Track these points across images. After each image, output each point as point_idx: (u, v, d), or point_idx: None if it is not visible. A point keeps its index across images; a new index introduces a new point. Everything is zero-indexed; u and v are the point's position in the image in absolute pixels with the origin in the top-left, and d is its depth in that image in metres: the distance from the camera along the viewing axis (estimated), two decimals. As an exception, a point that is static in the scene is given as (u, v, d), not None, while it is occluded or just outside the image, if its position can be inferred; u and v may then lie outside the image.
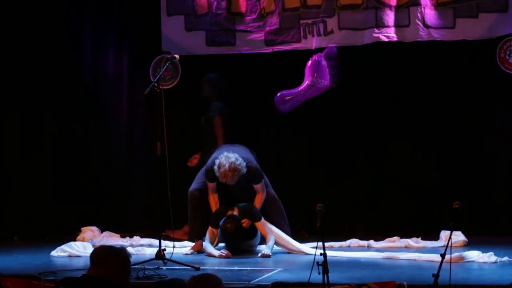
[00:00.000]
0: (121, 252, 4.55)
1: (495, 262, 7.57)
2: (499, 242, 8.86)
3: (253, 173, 8.58)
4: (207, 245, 8.42)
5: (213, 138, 9.43)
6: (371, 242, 8.87)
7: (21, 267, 7.56)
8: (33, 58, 10.27)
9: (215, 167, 8.39)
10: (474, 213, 9.39)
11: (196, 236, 8.68)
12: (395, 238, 8.97)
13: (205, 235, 8.60)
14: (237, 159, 8.36)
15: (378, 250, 8.55)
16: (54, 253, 8.41)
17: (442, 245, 8.58)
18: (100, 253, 4.55)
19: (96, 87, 10.60)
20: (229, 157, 8.35)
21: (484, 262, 7.59)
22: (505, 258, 7.68)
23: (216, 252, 8.29)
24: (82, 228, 9.57)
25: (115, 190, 10.47)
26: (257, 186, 8.67)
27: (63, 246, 8.45)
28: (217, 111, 9.46)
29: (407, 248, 8.67)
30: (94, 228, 9.59)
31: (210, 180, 8.64)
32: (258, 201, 8.66)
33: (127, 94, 10.53)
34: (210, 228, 8.54)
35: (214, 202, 8.68)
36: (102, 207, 10.36)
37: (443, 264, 5.65)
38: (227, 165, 8.32)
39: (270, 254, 8.29)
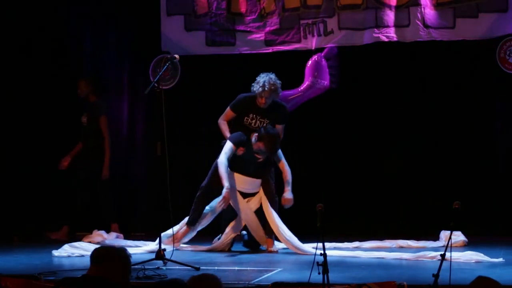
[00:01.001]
0: (121, 252, 4.55)
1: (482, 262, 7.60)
2: (499, 242, 8.87)
3: (285, 109, 8.73)
4: (224, 170, 8.40)
5: (99, 138, 9.67)
6: (359, 242, 8.79)
7: (21, 267, 7.55)
8: (33, 58, 10.27)
9: (255, 84, 8.51)
10: (474, 213, 9.40)
11: (192, 223, 8.71)
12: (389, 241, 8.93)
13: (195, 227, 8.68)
14: (277, 79, 8.53)
15: (367, 250, 8.50)
16: (56, 252, 8.37)
17: (442, 245, 8.58)
18: (100, 253, 4.55)
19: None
20: (270, 75, 8.53)
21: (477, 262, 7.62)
22: (500, 259, 7.67)
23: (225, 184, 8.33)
24: (93, 232, 9.46)
25: (114, 190, 10.46)
26: (279, 127, 8.69)
27: (66, 246, 8.42)
28: (103, 111, 9.59)
29: (405, 248, 8.65)
30: (102, 232, 9.50)
31: (235, 109, 8.66)
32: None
33: (127, 94, 10.53)
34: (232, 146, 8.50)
35: (226, 127, 8.66)
36: (102, 207, 10.35)
37: (443, 264, 5.65)
38: (267, 78, 8.49)
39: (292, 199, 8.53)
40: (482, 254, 7.78)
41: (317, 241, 5.67)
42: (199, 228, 8.80)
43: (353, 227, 9.70)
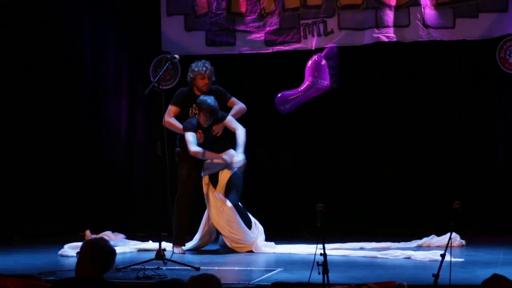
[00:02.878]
0: (90, 245, 4.53)
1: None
2: (499, 242, 8.86)
3: (220, 89, 8.81)
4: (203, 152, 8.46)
5: None
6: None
7: (21, 267, 7.56)
8: (33, 59, 10.27)
9: (193, 69, 8.68)
10: (474, 213, 9.40)
11: (180, 240, 8.66)
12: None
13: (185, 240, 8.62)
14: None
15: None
16: (62, 252, 8.33)
17: (413, 246, 8.56)
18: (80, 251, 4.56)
19: (96, 87, 10.60)
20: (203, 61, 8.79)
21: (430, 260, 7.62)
22: (461, 259, 7.68)
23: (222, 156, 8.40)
24: (101, 234, 9.40)
25: (114, 190, 10.46)
26: (231, 101, 8.81)
27: (71, 245, 8.39)
28: None
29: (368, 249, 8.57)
30: (109, 232, 9.47)
31: (178, 103, 8.73)
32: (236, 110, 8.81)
33: (127, 94, 10.53)
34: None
35: (175, 121, 8.66)
36: (102, 207, 10.37)
37: (443, 264, 5.66)
38: (203, 61, 8.74)
39: (243, 160, 8.45)
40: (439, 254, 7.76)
41: (317, 241, 5.67)
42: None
43: (353, 228, 9.69)
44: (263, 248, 8.55)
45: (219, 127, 8.60)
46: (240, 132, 8.58)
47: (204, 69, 8.66)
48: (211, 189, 8.52)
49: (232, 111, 8.75)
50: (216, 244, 8.80)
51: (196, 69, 8.68)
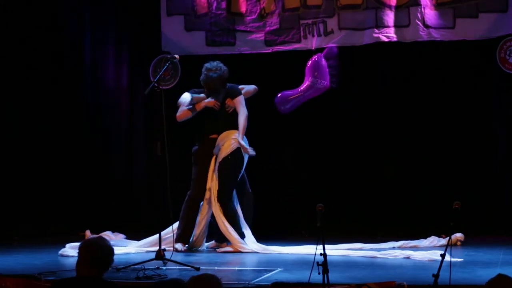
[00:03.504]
0: (88, 245, 4.53)
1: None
2: (499, 242, 8.87)
3: (230, 86, 8.84)
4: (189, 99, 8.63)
5: None
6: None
7: (21, 267, 7.56)
8: (33, 59, 10.27)
9: (207, 64, 8.77)
10: (474, 213, 9.40)
11: (185, 239, 8.68)
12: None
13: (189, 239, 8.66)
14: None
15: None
16: (62, 252, 8.32)
17: (399, 245, 8.55)
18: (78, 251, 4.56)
19: (96, 87, 10.60)
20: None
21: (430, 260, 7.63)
22: (461, 259, 7.66)
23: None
24: (101, 234, 9.38)
25: (114, 190, 10.46)
26: (240, 88, 8.87)
27: (72, 245, 8.37)
28: None
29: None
30: (109, 232, 9.46)
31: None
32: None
33: (127, 94, 10.53)
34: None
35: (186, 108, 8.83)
36: (102, 207, 10.36)
37: (443, 264, 5.66)
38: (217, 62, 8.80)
39: (247, 148, 8.56)
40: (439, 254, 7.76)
41: (317, 241, 5.67)
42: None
43: (353, 228, 9.69)
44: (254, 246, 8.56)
45: (231, 103, 8.64)
46: (241, 118, 8.61)
47: (208, 69, 8.70)
48: (213, 192, 8.52)
49: (243, 90, 8.82)
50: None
51: (209, 65, 8.74)
